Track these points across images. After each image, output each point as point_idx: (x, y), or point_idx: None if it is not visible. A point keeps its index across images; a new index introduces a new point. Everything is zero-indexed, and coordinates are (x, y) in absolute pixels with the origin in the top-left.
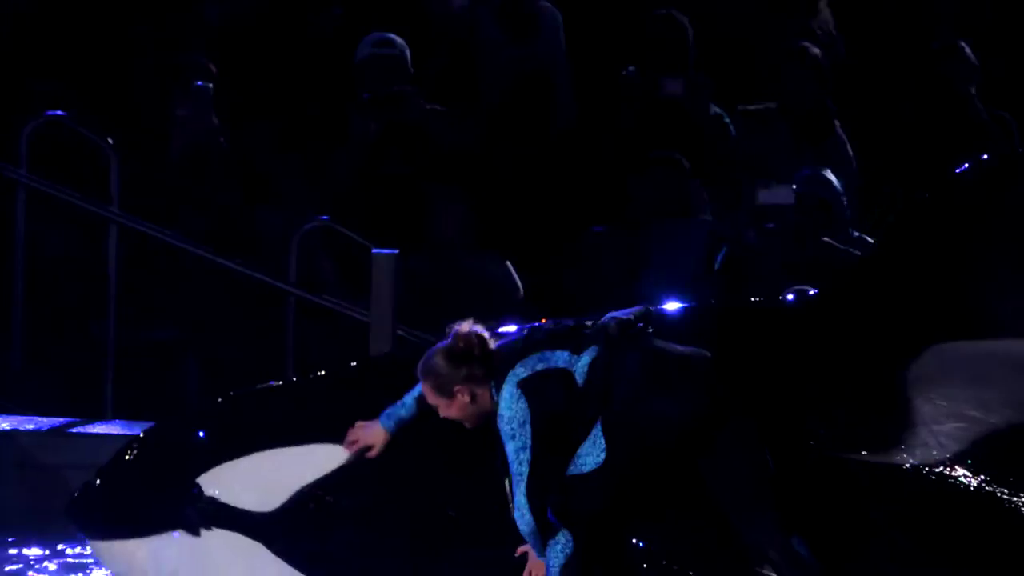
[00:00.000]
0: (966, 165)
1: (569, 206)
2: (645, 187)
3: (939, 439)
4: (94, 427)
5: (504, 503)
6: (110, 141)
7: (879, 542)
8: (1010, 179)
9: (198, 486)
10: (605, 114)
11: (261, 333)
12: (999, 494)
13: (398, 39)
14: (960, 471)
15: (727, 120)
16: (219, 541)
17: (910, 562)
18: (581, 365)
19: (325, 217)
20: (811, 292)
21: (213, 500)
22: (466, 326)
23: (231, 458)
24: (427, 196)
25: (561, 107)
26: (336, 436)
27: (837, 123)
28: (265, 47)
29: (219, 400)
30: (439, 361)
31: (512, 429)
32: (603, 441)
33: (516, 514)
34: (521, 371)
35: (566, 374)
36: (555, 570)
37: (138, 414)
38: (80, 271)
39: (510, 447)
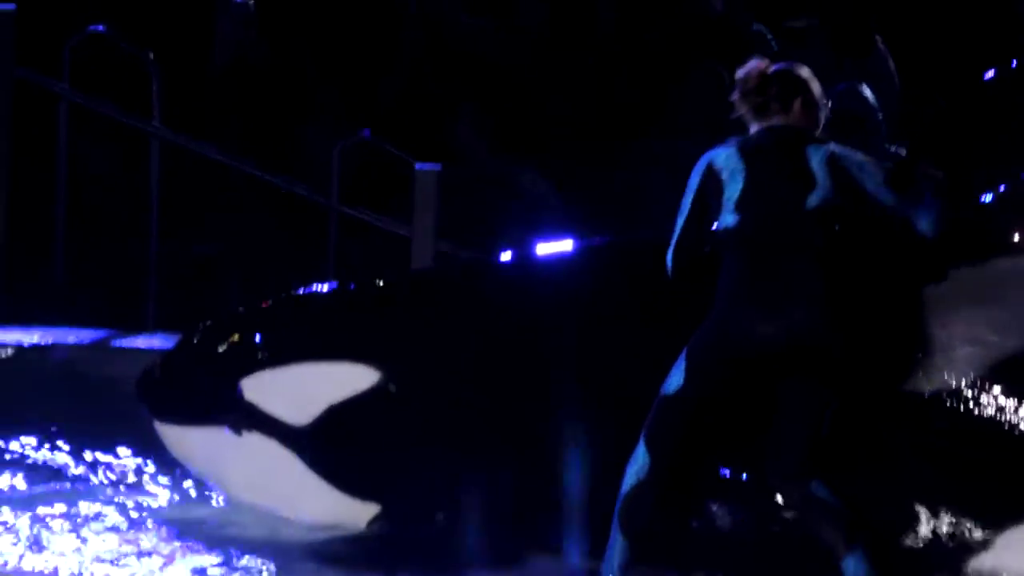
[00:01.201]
0: (992, 72)
1: (610, 118)
2: (684, 96)
3: (956, 364)
4: (136, 340)
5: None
6: (151, 56)
7: (898, 471)
8: None
9: (241, 388)
10: (646, 29)
11: (303, 248)
12: (1017, 419)
13: None
14: (977, 396)
15: (769, 36)
16: (257, 444)
17: (930, 491)
18: (727, 221)
19: (367, 132)
20: None
21: (253, 405)
22: (762, 62)
23: (273, 365)
24: (464, 111)
25: (602, 21)
26: (373, 355)
27: (879, 39)
28: None
29: (268, 303)
30: (744, 76)
31: (690, 181)
32: (683, 362)
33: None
34: (720, 158)
35: (721, 202)
36: (626, 487)
37: (180, 328)
38: (122, 185)
39: (687, 191)
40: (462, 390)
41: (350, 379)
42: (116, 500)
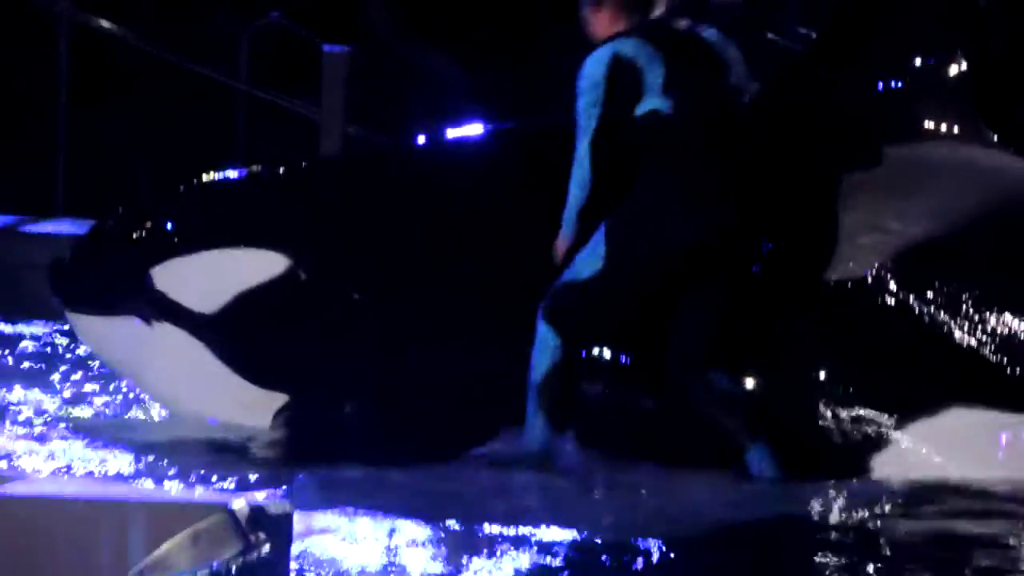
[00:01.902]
0: None
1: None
2: None
3: (860, 252)
4: (45, 225)
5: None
6: None
7: (801, 358)
8: None
9: (151, 277)
10: None
11: (212, 133)
12: (919, 308)
13: None
14: (881, 284)
15: None
16: (167, 335)
17: (833, 377)
18: (654, 104)
19: (276, 13)
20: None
21: (163, 294)
22: None
23: (181, 253)
24: None
25: None
26: (281, 241)
27: None
28: None
29: (177, 190)
30: None
31: (585, 85)
32: (603, 249)
33: (575, 166)
34: (628, 48)
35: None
36: (539, 372)
37: (89, 212)
38: (31, 66)
39: (580, 102)
40: (372, 278)
41: (260, 267)
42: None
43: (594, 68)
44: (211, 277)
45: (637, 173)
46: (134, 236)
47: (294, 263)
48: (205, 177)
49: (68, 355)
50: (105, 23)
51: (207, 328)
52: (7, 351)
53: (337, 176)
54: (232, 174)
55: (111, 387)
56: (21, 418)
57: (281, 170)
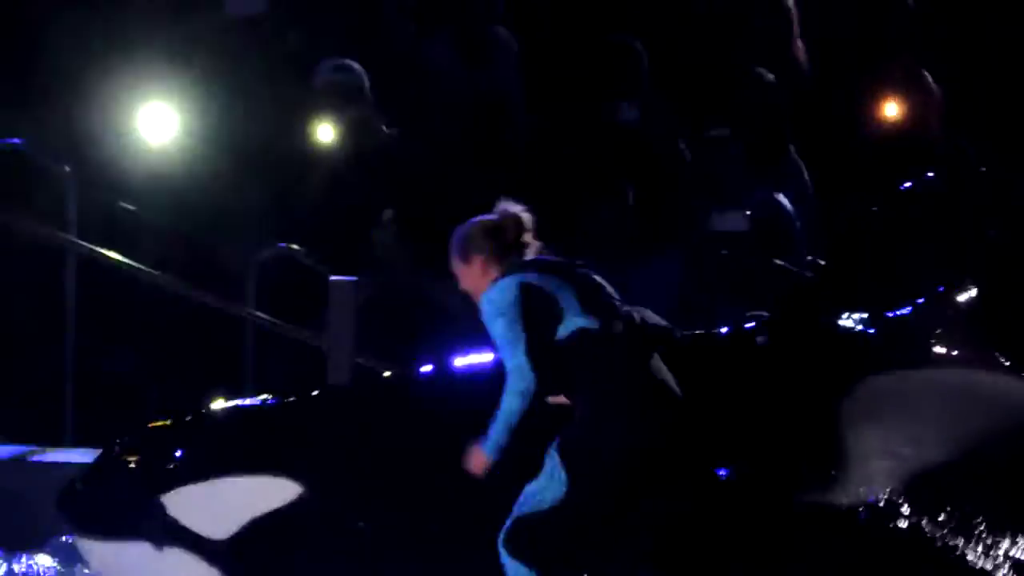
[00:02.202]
0: (909, 183)
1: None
2: (587, 219)
3: (872, 477)
4: (54, 454)
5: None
6: (67, 168)
7: None
8: (954, 195)
9: (162, 504)
10: (560, 140)
11: (219, 362)
12: (933, 534)
13: (356, 64)
14: (894, 510)
15: (682, 146)
16: (179, 560)
17: None
18: (579, 324)
19: (283, 244)
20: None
21: (174, 521)
22: (516, 208)
23: (192, 481)
24: (378, 222)
25: (516, 132)
26: (290, 468)
27: (792, 147)
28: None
29: (186, 418)
30: (475, 227)
31: (501, 309)
32: (562, 474)
33: (514, 378)
34: (532, 277)
35: (560, 312)
36: None
37: (98, 441)
38: (39, 298)
39: (499, 324)
40: (384, 505)
41: (271, 494)
42: None
43: (502, 295)
44: (222, 503)
45: (574, 393)
46: (144, 462)
47: (305, 490)
48: (215, 405)
49: None
50: (112, 254)
51: (219, 554)
52: None
53: (346, 405)
54: (243, 402)
55: None
56: None
57: (291, 399)
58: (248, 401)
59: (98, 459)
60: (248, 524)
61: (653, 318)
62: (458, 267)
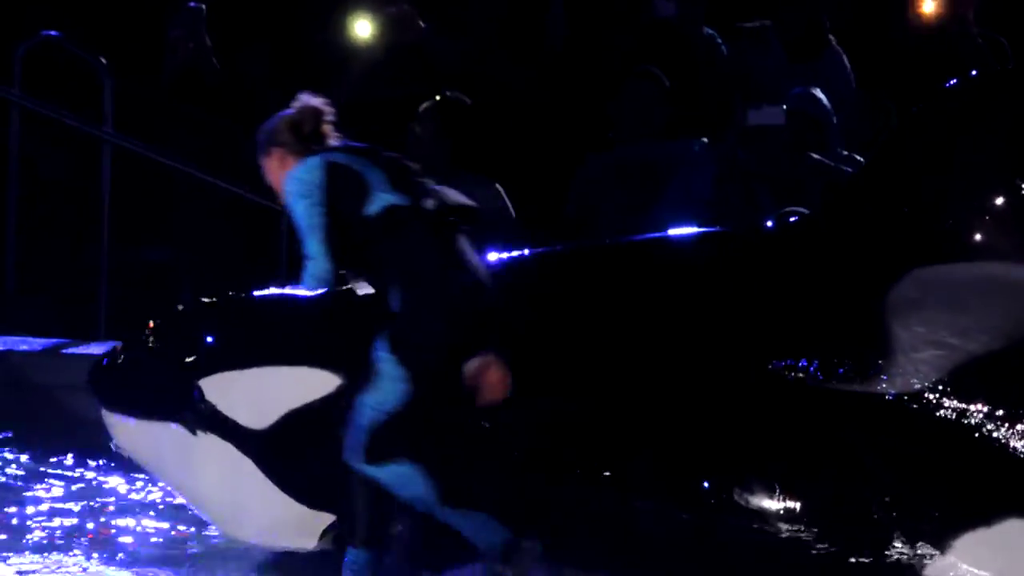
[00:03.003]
0: (955, 81)
1: (563, 130)
2: (621, 106)
3: (918, 367)
4: (88, 347)
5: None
6: (104, 61)
7: (859, 475)
8: (996, 96)
9: (199, 388)
10: (597, 36)
11: (255, 254)
12: (977, 422)
13: None
14: (939, 399)
15: (719, 40)
16: (211, 446)
17: (892, 495)
18: (389, 201)
19: None
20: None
21: (211, 406)
22: (315, 100)
23: (232, 367)
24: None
25: (553, 29)
26: (329, 361)
27: (833, 40)
28: None
29: (225, 299)
30: (275, 121)
31: (304, 190)
32: (399, 370)
33: (311, 264)
34: (339, 157)
35: (368, 188)
36: (436, 498)
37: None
38: (74, 192)
39: (300, 207)
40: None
41: (312, 386)
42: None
43: (308, 174)
44: (262, 393)
45: (385, 278)
46: (184, 343)
47: (345, 382)
48: (257, 292)
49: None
50: (145, 147)
51: (256, 443)
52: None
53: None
54: (286, 292)
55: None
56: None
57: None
58: (292, 291)
59: (132, 336)
60: (289, 415)
61: (458, 198)
62: (261, 160)
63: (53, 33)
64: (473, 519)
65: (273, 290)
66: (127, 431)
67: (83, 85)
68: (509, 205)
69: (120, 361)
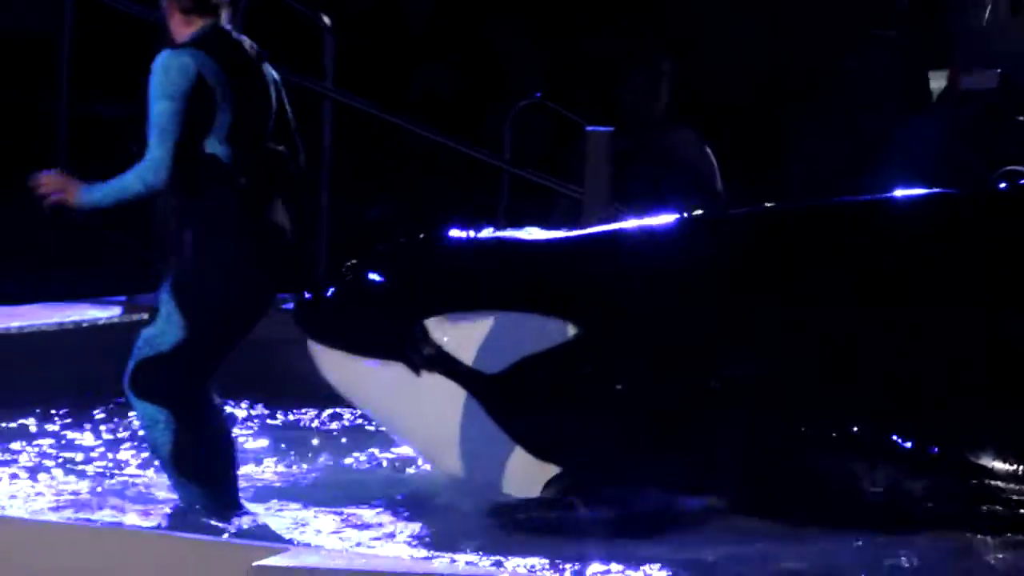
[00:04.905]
0: None
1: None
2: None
3: None
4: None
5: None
6: (325, 19)
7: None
8: None
9: (424, 328)
10: None
11: (476, 212)
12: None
13: None
14: None
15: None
16: (437, 387)
17: None
18: (218, 151)
19: (538, 94)
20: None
21: (439, 347)
22: None
23: (461, 308)
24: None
25: None
26: (567, 310)
27: None
28: None
29: (457, 242)
30: None
31: (170, 91)
32: (179, 318)
33: (149, 169)
34: (210, 72)
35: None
36: (166, 449)
37: None
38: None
39: (161, 106)
40: (656, 351)
41: (545, 333)
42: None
43: (181, 76)
44: (495, 337)
45: (183, 218)
46: (409, 280)
47: (580, 332)
48: (493, 233)
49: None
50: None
51: (486, 387)
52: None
53: (620, 247)
54: (522, 234)
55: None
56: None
57: (570, 237)
58: (527, 234)
59: (352, 266)
60: (522, 362)
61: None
62: (166, 7)
63: None
64: (189, 492)
65: (509, 231)
66: (339, 365)
67: (305, 41)
68: (710, 153)
69: (330, 294)
